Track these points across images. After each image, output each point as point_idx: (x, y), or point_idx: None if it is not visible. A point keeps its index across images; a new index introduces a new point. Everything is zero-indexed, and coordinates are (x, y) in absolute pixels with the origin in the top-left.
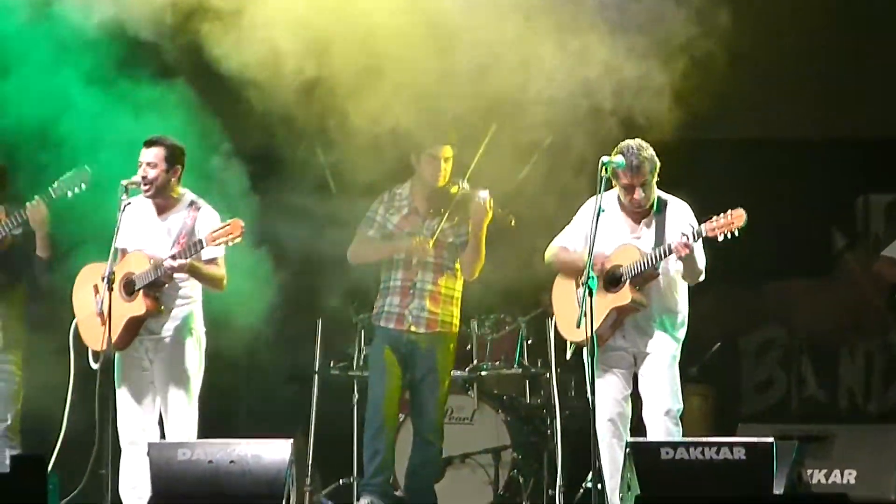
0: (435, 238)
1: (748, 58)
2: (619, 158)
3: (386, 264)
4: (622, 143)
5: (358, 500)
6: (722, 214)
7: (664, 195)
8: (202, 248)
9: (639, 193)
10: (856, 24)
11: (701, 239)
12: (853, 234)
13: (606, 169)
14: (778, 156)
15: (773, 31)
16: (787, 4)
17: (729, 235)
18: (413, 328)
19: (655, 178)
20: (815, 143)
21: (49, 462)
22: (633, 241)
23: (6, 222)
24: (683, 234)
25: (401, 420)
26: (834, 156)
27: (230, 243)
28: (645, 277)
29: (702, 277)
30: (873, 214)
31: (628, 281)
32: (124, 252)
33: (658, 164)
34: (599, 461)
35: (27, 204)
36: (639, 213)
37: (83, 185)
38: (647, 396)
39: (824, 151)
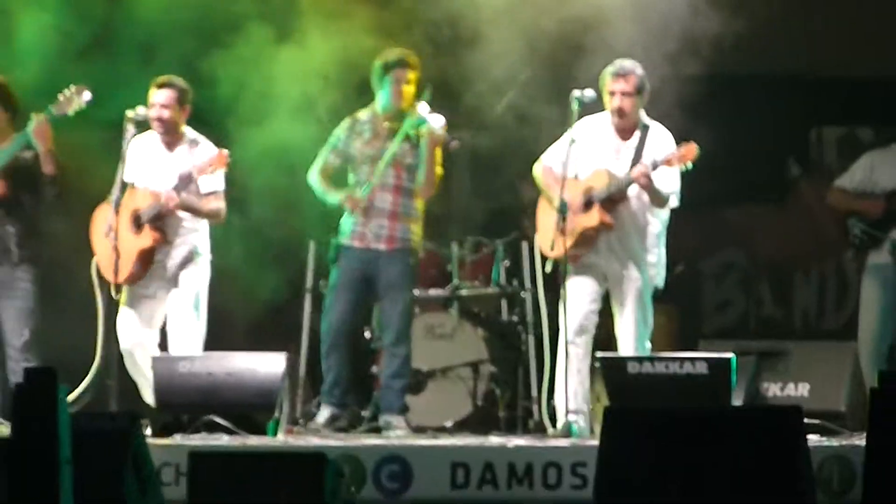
0: (394, 158)
1: None
2: (589, 92)
3: (349, 188)
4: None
5: (318, 410)
6: (676, 148)
7: (649, 121)
8: (192, 180)
9: (622, 101)
10: None
11: (666, 167)
12: (807, 164)
13: (579, 103)
14: (738, 90)
15: None
16: None
17: (683, 168)
18: (373, 245)
19: (642, 101)
20: (773, 79)
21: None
22: (613, 161)
23: (15, 143)
24: (642, 164)
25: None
26: (790, 91)
27: (214, 172)
28: (613, 200)
29: (672, 203)
30: (826, 146)
31: (598, 204)
32: (133, 187)
33: (647, 87)
34: (566, 374)
35: (30, 122)
36: (624, 130)
37: (83, 104)
38: (617, 324)
39: (781, 87)
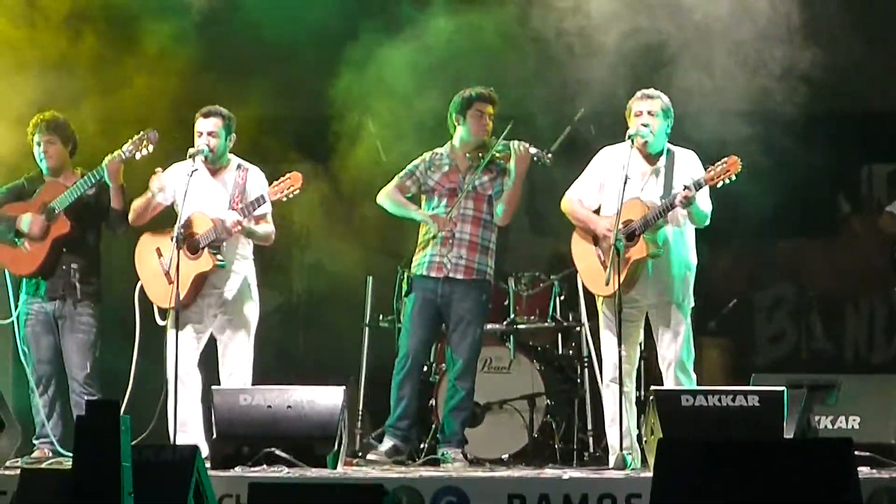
0: (475, 191)
1: None
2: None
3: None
4: None
5: (380, 441)
6: (718, 163)
7: (673, 147)
8: (264, 202)
9: (646, 119)
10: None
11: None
12: (858, 200)
13: (632, 139)
14: (790, 127)
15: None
16: None
17: (727, 181)
18: (452, 274)
19: (666, 126)
20: (825, 116)
21: (121, 406)
22: (641, 188)
23: (82, 181)
24: (685, 187)
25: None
26: (841, 128)
27: (290, 196)
28: (654, 228)
29: (707, 222)
30: (876, 182)
31: (640, 235)
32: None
33: (672, 112)
34: (622, 407)
35: (104, 161)
36: (650, 156)
37: (151, 148)
38: (659, 348)
39: (833, 123)
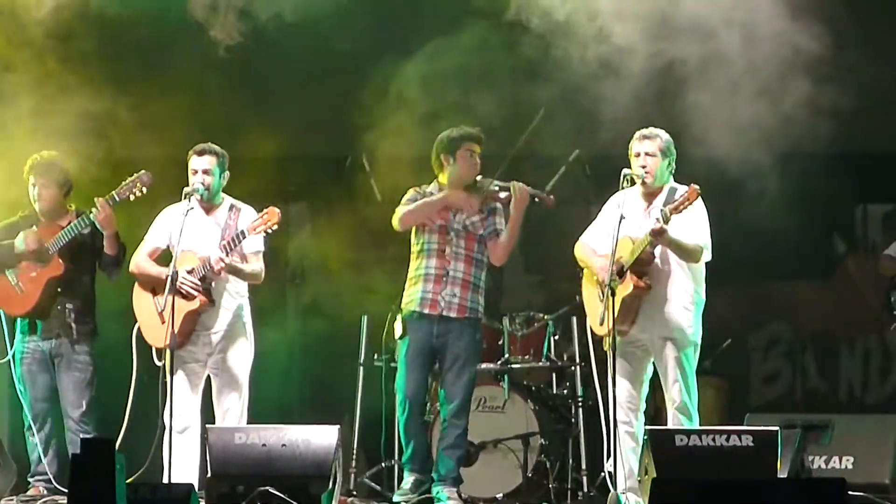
0: (467, 231)
1: None
2: (639, 170)
3: (418, 253)
4: None
5: (403, 479)
6: (681, 194)
7: (677, 185)
8: (244, 238)
9: (644, 160)
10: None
11: (692, 218)
12: (852, 240)
13: (629, 180)
14: (783, 168)
15: None
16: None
17: (696, 210)
18: (445, 313)
19: (668, 164)
20: (819, 156)
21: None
22: (641, 226)
23: (76, 223)
24: (656, 220)
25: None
26: (836, 168)
27: (269, 230)
28: (642, 264)
29: (705, 256)
30: (871, 223)
31: (629, 271)
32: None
33: (673, 152)
34: (616, 447)
35: (92, 208)
36: (650, 194)
37: (144, 190)
38: (663, 386)
39: (828, 164)
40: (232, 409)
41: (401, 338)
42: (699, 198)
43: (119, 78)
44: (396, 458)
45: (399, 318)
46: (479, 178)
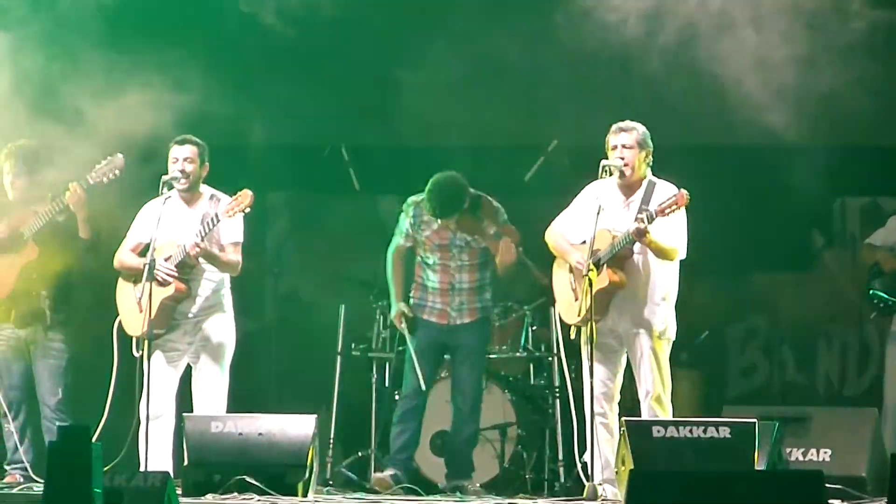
0: (469, 247)
1: None
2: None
3: (421, 265)
4: None
5: (383, 471)
6: (670, 196)
7: (656, 179)
8: (218, 221)
9: (623, 153)
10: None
11: (674, 219)
12: (830, 233)
13: (608, 172)
14: (764, 161)
15: None
16: None
17: (678, 212)
18: (457, 321)
19: (645, 157)
20: (798, 150)
21: (93, 433)
22: (619, 219)
23: (50, 208)
24: (637, 219)
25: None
26: (814, 161)
27: (243, 212)
28: (620, 258)
29: (680, 255)
30: (849, 216)
31: (605, 265)
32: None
33: (650, 145)
34: (594, 438)
35: (66, 191)
36: (628, 187)
37: (117, 172)
38: (636, 378)
39: (806, 157)
40: (210, 399)
41: (410, 332)
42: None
43: None
44: (373, 447)
45: (403, 311)
46: (483, 198)
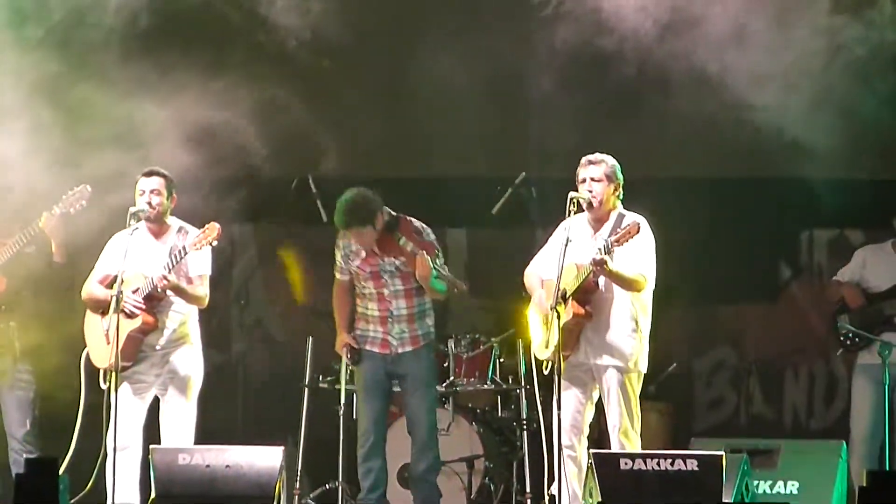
0: (399, 270)
1: None
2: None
3: (359, 295)
4: None
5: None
6: (623, 227)
7: (625, 212)
8: (186, 254)
9: (590, 186)
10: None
11: (636, 249)
12: (798, 266)
13: (575, 203)
14: (731, 192)
15: None
16: None
17: (641, 242)
18: (399, 350)
19: (614, 190)
20: (766, 182)
21: (61, 465)
22: (587, 253)
23: (18, 239)
24: (598, 250)
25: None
26: (782, 194)
27: (210, 244)
28: (585, 292)
29: (648, 285)
30: (816, 248)
31: (571, 298)
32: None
33: (619, 178)
34: (561, 470)
35: (39, 220)
36: (597, 220)
37: (83, 203)
38: (605, 411)
39: (774, 189)
40: (178, 431)
41: (355, 363)
42: (642, 231)
43: None
44: (340, 479)
45: (346, 341)
46: (401, 218)
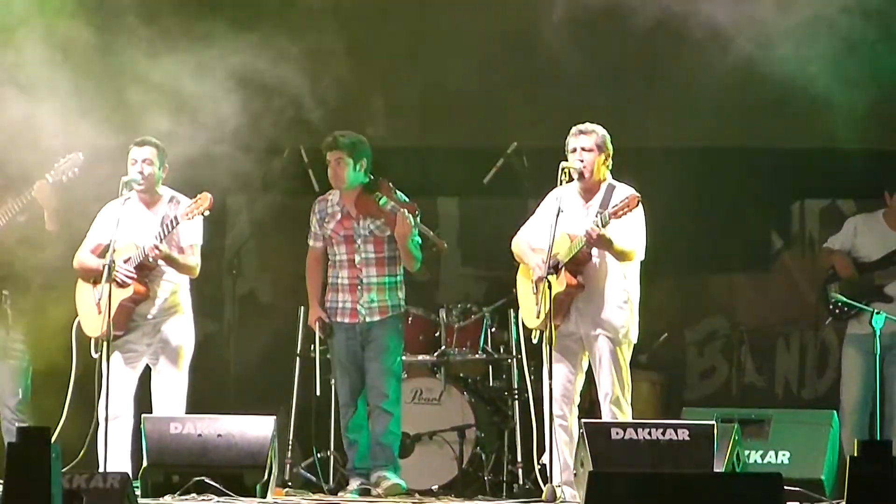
0: (373, 235)
1: None
2: (578, 163)
3: (331, 262)
4: None
5: (348, 483)
6: (622, 199)
7: (615, 182)
8: (178, 223)
9: (581, 155)
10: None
11: (629, 222)
12: (789, 235)
13: (566, 173)
14: (723, 162)
15: None
16: None
17: (634, 214)
18: (367, 319)
19: (605, 160)
20: (757, 151)
21: (52, 434)
22: (579, 223)
23: (9, 207)
24: (594, 223)
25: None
26: (774, 163)
27: (202, 214)
28: (579, 262)
29: (637, 257)
30: (808, 218)
31: (564, 268)
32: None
33: (610, 149)
34: (553, 439)
35: (33, 188)
36: (588, 190)
37: (76, 170)
38: (596, 380)
39: (765, 159)
40: (169, 400)
41: (328, 337)
42: (639, 205)
43: None
44: (332, 448)
45: (319, 315)
46: (381, 180)
